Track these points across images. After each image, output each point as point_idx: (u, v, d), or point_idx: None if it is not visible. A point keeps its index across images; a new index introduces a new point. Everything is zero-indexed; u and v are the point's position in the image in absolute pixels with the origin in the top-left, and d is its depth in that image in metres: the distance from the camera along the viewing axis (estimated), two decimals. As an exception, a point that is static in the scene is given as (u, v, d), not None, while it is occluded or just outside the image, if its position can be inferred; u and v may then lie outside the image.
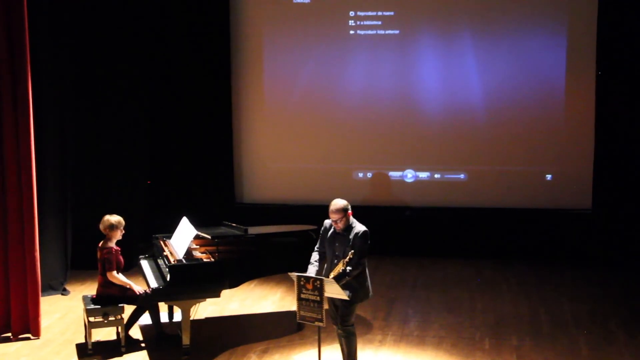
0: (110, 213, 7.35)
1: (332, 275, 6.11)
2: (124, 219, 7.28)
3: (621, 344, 7.29)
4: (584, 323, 7.89)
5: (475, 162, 10.34)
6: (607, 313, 8.18)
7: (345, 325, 6.40)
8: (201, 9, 10.50)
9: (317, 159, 10.70)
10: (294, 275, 6.12)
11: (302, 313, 6.10)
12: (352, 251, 6.11)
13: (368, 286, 6.40)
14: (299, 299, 6.08)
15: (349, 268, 6.12)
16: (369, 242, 6.28)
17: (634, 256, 9.85)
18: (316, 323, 6.02)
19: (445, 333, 7.65)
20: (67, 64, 9.25)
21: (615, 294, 8.85)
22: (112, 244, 7.17)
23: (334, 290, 6.03)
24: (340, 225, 6.30)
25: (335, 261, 6.30)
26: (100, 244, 7.20)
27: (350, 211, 6.31)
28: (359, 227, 6.29)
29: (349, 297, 6.13)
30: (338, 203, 6.29)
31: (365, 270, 6.34)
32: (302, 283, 6.04)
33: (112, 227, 7.14)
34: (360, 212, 6.93)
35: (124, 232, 7.25)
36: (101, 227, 7.17)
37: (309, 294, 6.01)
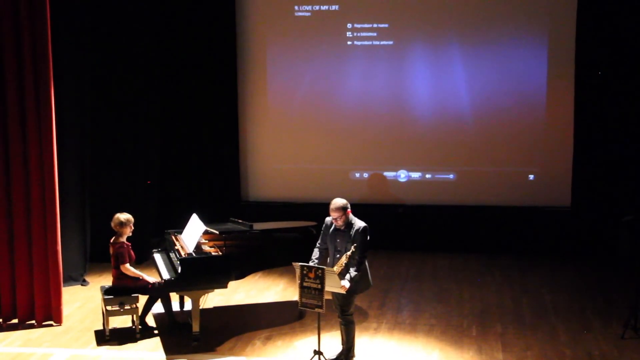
0: (126, 210, 7.32)
1: (335, 268, 6.09)
2: (139, 216, 7.29)
3: (597, 331, 7.29)
4: (563, 312, 7.88)
5: (464, 163, 10.31)
6: (584, 303, 8.17)
7: (345, 314, 6.38)
8: (211, 22, 10.46)
9: (317, 160, 10.65)
10: (297, 264, 6.07)
11: (303, 300, 6.05)
12: (355, 245, 6.10)
13: (368, 277, 6.38)
14: (301, 287, 6.03)
15: (354, 271, 6.10)
16: (368, 237, 6.24)
17: (608, 250, 9.84)
18: (317, 309, 5.99)
19: (435, 321, 7.65)
20: (86, 68, 9.18)
21: (591, 285, 8.83)
22: (123, 240, 7.17)
23: (333, 284, 6.02)
24: (340, 222, 6.27)
25: (338, 256, 6.28)
26: (112, 240, 7.19)
27: (349, 209, 6.28)
28: (358, 224, 6.26)
29: (345, 291, 6.09)
30: (338, 202, 6.26)
31: (365, 263, 6.30)
32: (304, 272, 6.00)
33: (122, 224, 7.14)
34: (357, 209, 6.86)
35: (132, 228, 7.24)
36: (112, 224, 7.16)
37: (311, 282, 5.96)
